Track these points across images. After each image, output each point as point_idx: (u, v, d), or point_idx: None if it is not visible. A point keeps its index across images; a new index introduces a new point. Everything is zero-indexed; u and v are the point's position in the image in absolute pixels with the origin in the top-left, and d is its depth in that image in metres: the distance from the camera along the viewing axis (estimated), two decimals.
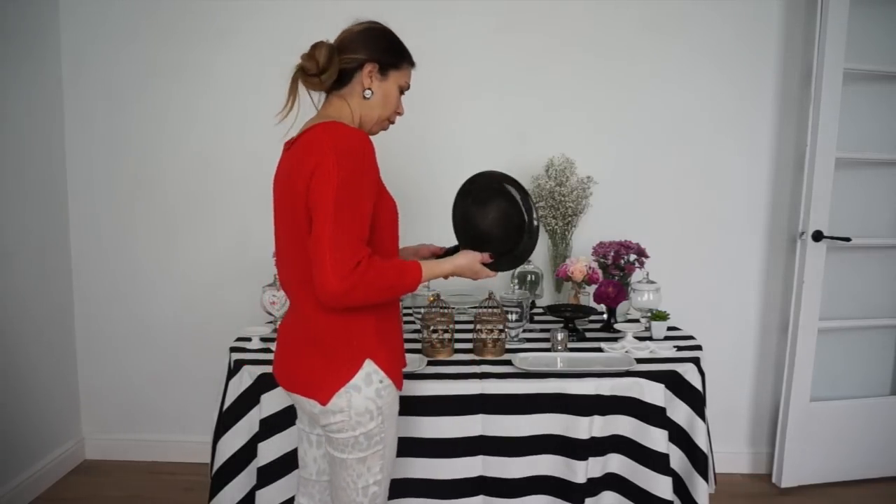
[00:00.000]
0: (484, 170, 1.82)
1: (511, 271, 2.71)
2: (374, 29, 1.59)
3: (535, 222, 1.74)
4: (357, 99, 1.57)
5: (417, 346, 2.20)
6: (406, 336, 2.26)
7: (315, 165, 1.41)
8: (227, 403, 2.02)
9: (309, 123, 1.55)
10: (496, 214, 1.78)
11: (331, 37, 1.58)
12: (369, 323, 1.53)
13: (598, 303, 2.47)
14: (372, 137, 1.53)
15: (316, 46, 1.53)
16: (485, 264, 1.72)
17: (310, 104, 1.60)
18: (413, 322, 2.43)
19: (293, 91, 1.55)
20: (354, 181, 1.41)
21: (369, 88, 1.56)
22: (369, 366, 1.51)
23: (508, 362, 2.07)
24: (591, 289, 2.54)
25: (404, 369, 1.69)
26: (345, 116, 1.56)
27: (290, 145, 1.58)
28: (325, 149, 1.41)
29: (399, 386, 1.60)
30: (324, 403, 1.50)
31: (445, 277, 1.67)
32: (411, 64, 1.64)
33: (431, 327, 2.13)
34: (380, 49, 1.57)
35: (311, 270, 1.41)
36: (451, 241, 1.88)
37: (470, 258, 1.69)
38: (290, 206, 1.49)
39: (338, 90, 1.57)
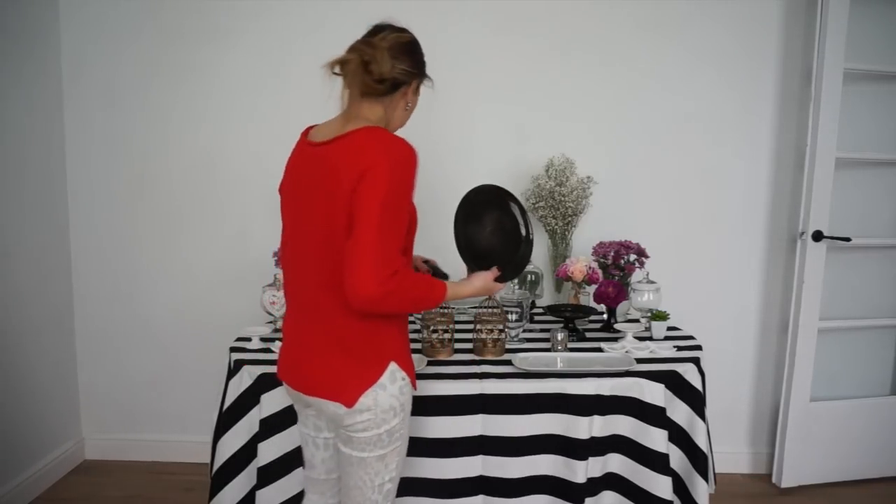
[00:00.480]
0: (470, 189, 1.89)
1: None
2: (416, 43, 1.60)
3: (529, 229, 1.81)
4: (393, 107, 1.58)
5: (417, 346, 2.19)
6: None
7: (367, 168, 1.40)
8: (227, 403, 2.02)
9: (348, 127, 1.50)
10: (492, 226, 1.86)
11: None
12: (395, 327, 1.57)
13: (598, 303, 2.47)
14: None
15: (374, 47, 1.49)
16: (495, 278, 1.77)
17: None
18: (413, 322, 2.43)
19: (350, 83, 1.51)
20: (401, 191, 1.44)
21: (409, 102, 1.62)
22: (392, 366, 1.54)
23: (508, 362, 2.07)
24: (591, 289, 2.54)
25: None
26: (379, 120, 1.56)
27: (314, 142, 1.55)
28: (379, 154, 1.42)
29: (415, 386, 1.62)
30: (350, 406, 1.50)
31: None
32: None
33: (431, 327, 2.13)
34: (421, 65, 1.61)
35: (343, 272, 1.40)
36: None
37: (483, 279, 1.74)
38: (325, 205, 1.46)
39: (382, 94, 1.54)
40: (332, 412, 1.54)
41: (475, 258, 1.86)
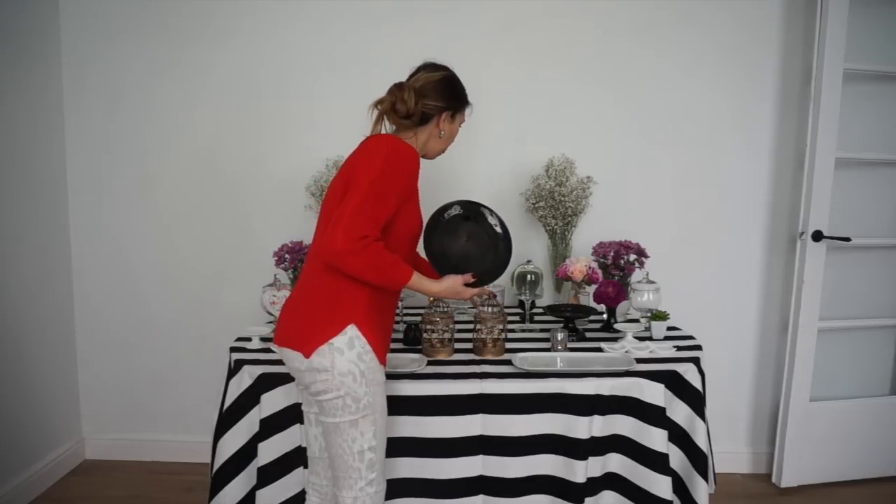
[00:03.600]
0: (444, 203, 1.94)
1: (511, 272, 2.72)
2: (450, 79, 1.84)
3: (502, 232, 1.90)
4: (426, 135, 1.82)
5: (417, 345, 2.20)
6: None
7: (368, 153, 1.65)
8: (227, 403, 2.02)
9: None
10: (466, 237, 1.93)
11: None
12: (362, 293, 1.66)
13: (598, 303, 2.47)
14: None
15: (403, 89, 1.76)
16: (469, 283, 1.85)
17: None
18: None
19: (379, 122, 1.79)
20: (392, 179, 1.62)
21: (443, 130, 1.83)
22: (352, 330, 1.64)
23: (508, 362, 2.07)
24: (591, 289, 2.54)
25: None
26: (409, 143, 1.77)
27: None
28: (381, 146, 1.65)
29: (382, 361, 1.70)
30: (307, 356, 1.63)
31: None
32: (469, 104, 1.90)
33: (431, 327, 2.13)
34: (453, 97, 1.84)
35: (326, 229, 1.56)
36: None
37: (451, 281, 1.82)
38: (335, 188, 1.71)
39: (413, 126, 1.79)
40: (295, 367, 1.68)
41: (452, 268, 1.89)
